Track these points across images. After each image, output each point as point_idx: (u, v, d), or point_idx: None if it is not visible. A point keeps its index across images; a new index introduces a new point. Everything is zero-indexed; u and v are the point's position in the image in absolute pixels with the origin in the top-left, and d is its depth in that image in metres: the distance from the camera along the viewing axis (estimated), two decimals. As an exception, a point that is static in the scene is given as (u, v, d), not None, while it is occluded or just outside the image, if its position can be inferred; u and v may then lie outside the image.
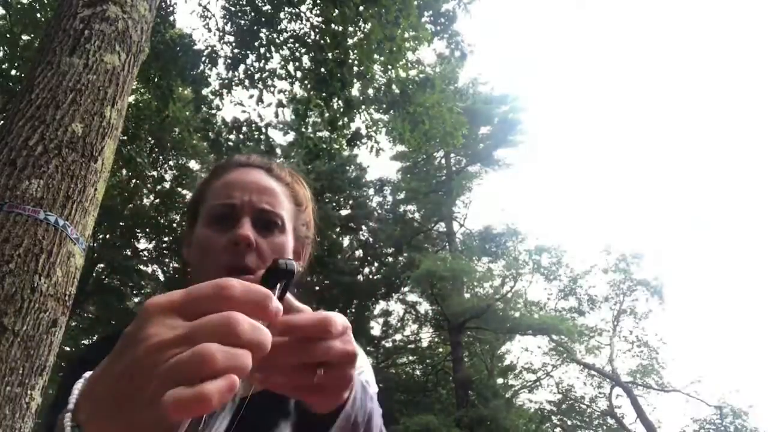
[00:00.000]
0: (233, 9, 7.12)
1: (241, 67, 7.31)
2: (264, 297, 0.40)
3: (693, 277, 35.29)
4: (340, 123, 7.24)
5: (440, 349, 20.63)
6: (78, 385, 0.44)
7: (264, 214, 0.84)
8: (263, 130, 8.20)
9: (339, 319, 0.49)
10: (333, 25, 6.33)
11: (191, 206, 0.95)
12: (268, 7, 7.00)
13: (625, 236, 33.95)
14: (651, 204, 37.13)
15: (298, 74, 7.20)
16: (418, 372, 21.46)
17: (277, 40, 7.08)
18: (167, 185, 15.56)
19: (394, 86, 7.06)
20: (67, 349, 13.34)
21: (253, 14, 7.06)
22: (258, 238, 0.81)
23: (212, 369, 0.35)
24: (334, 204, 19.91)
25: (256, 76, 7.32)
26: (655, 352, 17.97)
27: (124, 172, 11.78)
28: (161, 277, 17.00)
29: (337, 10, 6.10)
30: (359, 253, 21.28)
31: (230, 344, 0.36)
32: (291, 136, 17.40)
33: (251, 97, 7.42)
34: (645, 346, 18.14)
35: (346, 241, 21.09)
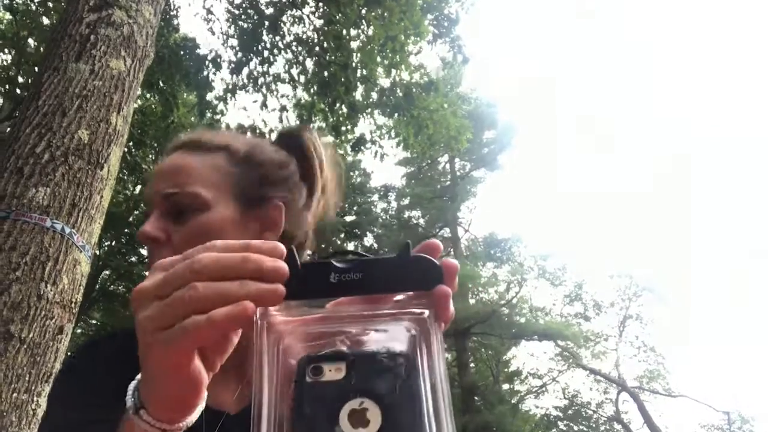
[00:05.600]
0: (237, 12, 7.14)
1: (245, 71, 7.32)
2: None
3: (699, 280, 35.11)
4: (345, 128, 7.24)
5: (446, 355, 20.56)
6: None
7: (170, 199, 0.71)
8: (267, 136, 8.17)
9: None
10: (336, 27, 6.34)
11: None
12: (271, 10, 7.02)
13: (630, 237, 33.81)
14: (653, 203, 37.01)
15: (302, 78, 7.21)
16: (423, 378, 21.35)
17: (281, 44, 7.10)
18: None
19: (398, 89, 7.06)
20: (72, 355, 13.31)
21: (256, 18, 7.08)
22: (171, 229, 0.70)
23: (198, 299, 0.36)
24: (339, 210, 19.92)
25: (260, 80, 7.33)
26: (662, 357, 17.89)
27: (129, 178, 11.78)
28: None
29: (340, 13, 6.12)
30: (364, 258, 21.26)
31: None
32: (295, 142, 17.43)
33: (255, 102, 7.44)
34: (651, 351, 18.05)
35: (350, 247, 21.10)
